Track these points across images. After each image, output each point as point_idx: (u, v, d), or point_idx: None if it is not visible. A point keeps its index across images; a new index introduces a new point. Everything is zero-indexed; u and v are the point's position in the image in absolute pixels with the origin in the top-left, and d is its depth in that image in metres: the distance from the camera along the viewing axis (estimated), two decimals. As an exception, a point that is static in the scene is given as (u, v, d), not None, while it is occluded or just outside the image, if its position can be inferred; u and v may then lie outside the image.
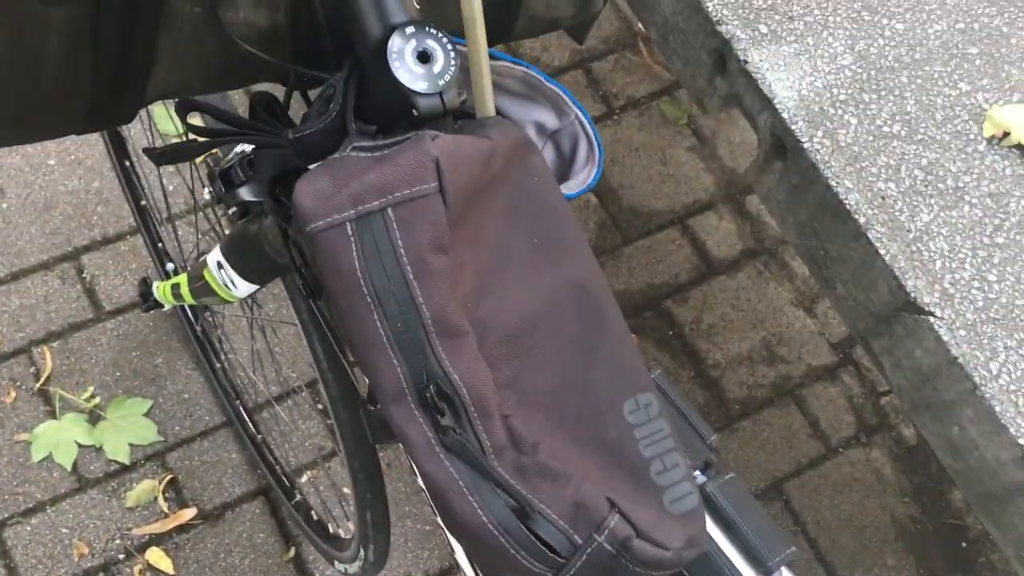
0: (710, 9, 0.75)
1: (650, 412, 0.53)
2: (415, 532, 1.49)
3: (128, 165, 1.37)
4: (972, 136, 0.74)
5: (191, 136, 0.60)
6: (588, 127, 0.70)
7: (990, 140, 0.74)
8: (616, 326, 0.55)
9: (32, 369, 1.47)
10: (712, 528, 0.56)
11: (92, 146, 1.61)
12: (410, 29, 0.51)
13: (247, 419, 1.42)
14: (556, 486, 0.49)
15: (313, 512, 1.30)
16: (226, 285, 0.88)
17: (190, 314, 1.43)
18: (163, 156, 0.61)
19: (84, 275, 1.54)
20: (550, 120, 0.70)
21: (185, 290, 1.01)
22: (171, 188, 1.58)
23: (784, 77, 0.73)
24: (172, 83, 0.60)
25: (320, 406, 1.53)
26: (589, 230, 1.74)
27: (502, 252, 0.52)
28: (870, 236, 0.69)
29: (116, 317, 1.52)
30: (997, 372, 0.66)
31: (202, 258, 0.92)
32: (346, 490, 1.40)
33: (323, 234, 0.47)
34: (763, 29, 0.75)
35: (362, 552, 1.05)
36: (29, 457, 1.42)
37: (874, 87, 0.74)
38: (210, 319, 1.41)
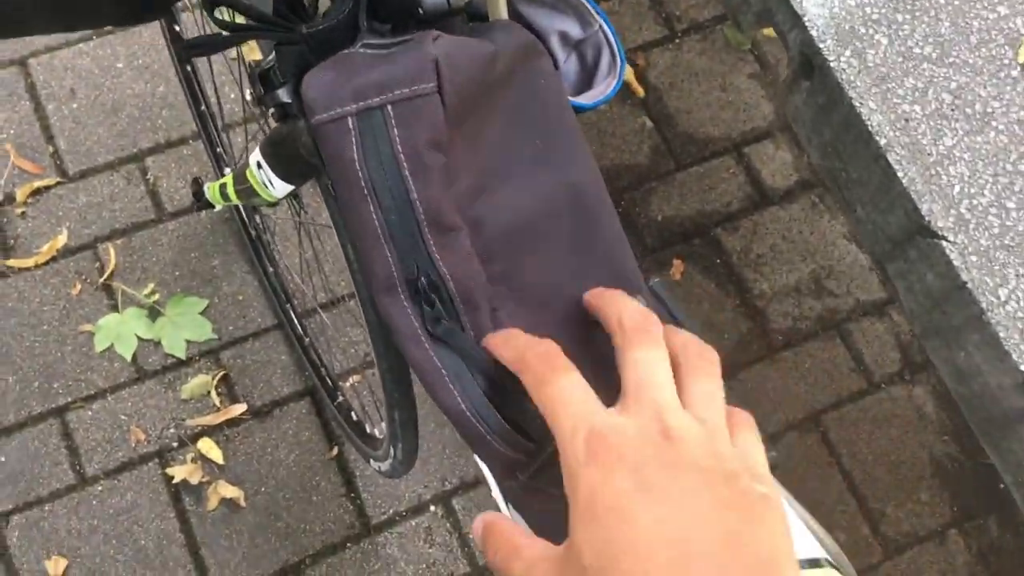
0: (746, -78, 0.74)
1: (638, 312, 0.55)
2: (453, 441, 1.54)
3: (190, 71, 1.41)
4: (1006, 61, 0.72)
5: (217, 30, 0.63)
6: (612, 37, 0.71)
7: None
8: (611, 231, 0.56)
9: (97, 264, 1.54)
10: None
11: (159, 51, 1.65)
12: (418, -79, 0.52)
13: (297, 322, 1.47)
14: None
15: (353, 413, 1.35)
16: (265, 184, 0.91)
17: (246, 218, 1.48)
18: (190, 49, 0.64)
19: (148, 176, 1.59)
20: (574, 29, 0.71)
21: (231, 190, 1.04)
22: (233, 96, 1.62)
23: (816, -6, 0.72)
24: None
25: (368, 314, 1.57)
26: (643, 154, 1.74)
27: (502, 153, 0.54)
28: (890, 158, 0.69)
29: (177, 218, 1.58)
30: (1005, 299, 0.66)
31: (245, 158, 0.95)
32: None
33: (327, 126, 0.49)
34: (799, -56, 0.74)
35: (392, 451, 1.10)
36: (92, 347, 1.50)
37: (909, 7, 0.73)
38: (262, 224, 1.46)
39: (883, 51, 0.72)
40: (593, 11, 0.69)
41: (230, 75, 1.56)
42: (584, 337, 0.54)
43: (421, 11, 0.52)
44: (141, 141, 1.61)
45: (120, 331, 1.51)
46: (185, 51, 0.65)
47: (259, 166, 0.91)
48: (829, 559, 0.57)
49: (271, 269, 1.49)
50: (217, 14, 0.62)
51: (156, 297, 1.53)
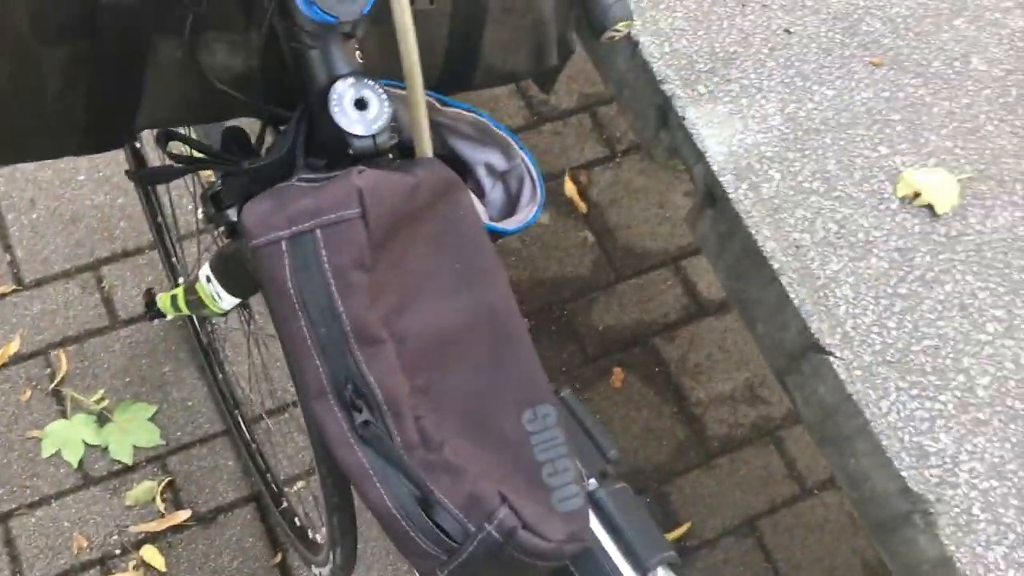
0: (656, 69, 0.83)
1: (547, 422, 0.61)
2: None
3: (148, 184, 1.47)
4: (886, 195, 0.81)
5: (168, 162, 0.69)
6: (533, 169, 0.78)
7: (902, 199, 0.81)
8: (524, 347, 0.62)
9: (48, 370, 1.57)
10: (598, 529, 0.62)
11: (120, 164, 1.72)
12: (351, 79, 0.59)
13: (244, 428, 1.50)
14: (455, 479, 0.57)
15: (296, 518, 1.38)
16: (213, 297, 0.97)
17: (197, 326, 1.53)
18: (143, 178, 0.70)
19: (103, 285, 1.64)
20: (499, 162, 0.78)
21: (181, 301, 1.10)
22: (189, 207, 1.69)
23: (717, 133, 0.81)
24: (158, 115, 0.69)
25: (315, 420, 1.60)
26: (585, 266, 1.82)
27: (425, 275, 0.60)
28: (782, 281, 0.76)
29: (130, 326, 1.62)
30: (887, 410, 0.73)
31: (196, 271, 1.01)
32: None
33: (262, 249, 0.55)
34: (701, 89, 0.83)
35: (331, 556, 1.13)
36: (39, 453, 1.51)
37: (799, 146, 0.82)
38: (213, 332, 1.50)
39: (776, 185, 0.80)
40: (515, 145, 0.77)
41: (187, 188, 1.63)
42: (496, 440, 0.59)
43: (351, 151, 0.59)
44: (98, 250, 1.66)
45: (67, 437, 1.53)
46: (142, 179, 0.71)
47: (208, 280, 0.97)
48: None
49: (220, 376, 1.53)
50: (171, 147, 0.68)
51: (106, 403, 1.56)
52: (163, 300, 1.21)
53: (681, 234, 1.86)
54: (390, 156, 0.63)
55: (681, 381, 1.75)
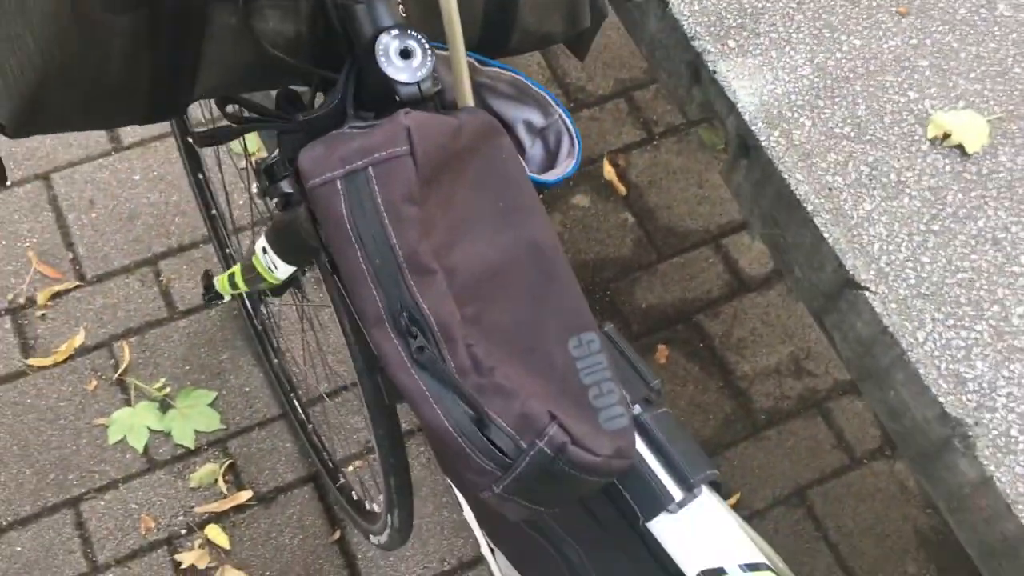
0: (686, 27, 0.86)
1: (591, 348, 0.64)
2: (451, 522, 1.60)
3: (201, 178, 1.53)
4: (916, 137, 0.83)
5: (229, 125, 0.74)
6: (570, 125, 0.81)
7: (932, 141, 0.83)
8: (566, 279, 0.66)
9: (111, 361, 1.63)
10: (643, 450, 0.65)
11: (172, 163, 1.78)
12: (395, 31, 0.63)
13: (301, 410, 1.55)
14: (507, 400, 0.60)
15: (354, 492, 1.42)
16: (270, 268, 1.01)
17: (252, 311, 1.58)
18: (205, 138, 0.74)
19: (161, 278, 1.70)
20: (537, 119, 0.82)
21: (239, 278, 1.15)
22: (241, 202, 1.75)
23: (748, 85, 0.84)
24: (215, 83, 0.73)
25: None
26: (626, 247, 1.84)
27: (470, 212, 0.63)
28: (817, 222, 0.79)
29: (188, 317, 1.68)
30: (923, 340, 0.75)
31: (251, 247, 1.06)
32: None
33: (319, 189, 0.59)
34: (731, 44, 0.86)
35: (389, 519, 1.17)
36: (106, 439, 1.58)
37: (829, 94, 0.84)
38: (268, 317, 1.56)
39: (807, 131, 0.82)
40: (552, 102, 0.80)
41: (239, 184, 1.68)
42: (543, 365, 0.63)
43: (398, 98, 0.63)
44: (155, 246, 1.72)
45: (132, 424, 1.59)
46: (199, 140, 0.76)
47: (264, 251, 1.02)
48: (768, 564, 0.65)
49: (276, 361, 1.58)
50: (228, 108, 0.73)
51: (167, 391, 1.62)
52: (221, 281, 1.26)
53: (721, 213, 1.89)
54: (433, 105, 0.67)
55: (726, 356, 1.77)
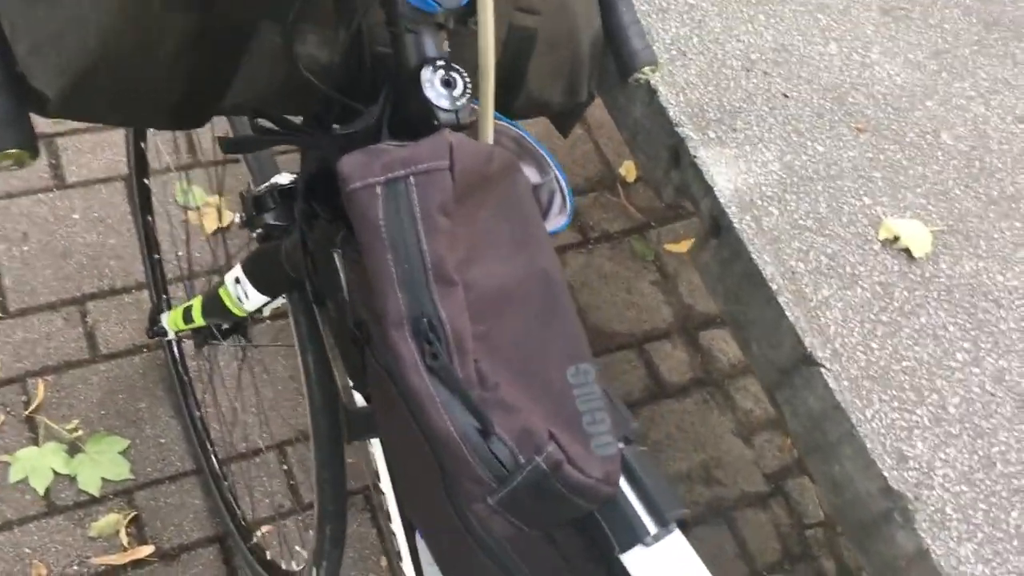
0: (671, 114, 0.94)
1: (587, 378, 0.67)
2: (359, 594, 1.56)
3: (150, 220, 1.53)
4: (869, 237, 0.91)
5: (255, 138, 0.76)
6: (564, 185, 0.87)
7: (883, 242, 0.91)
8: (569, 309, 0.69)
9: (23, 397, 1.58)
10: (623, 483, 0.68)
11: (115, 207, 1.77)
12: (440, 62, 0.68)
13: (217, 466, 1.52)
14: (509, 415, 0.63)
15: (267, 552, 1.39)
16: (239, 298, 1.02)
17: (180, 362, 1.56)
18: (231, 145, 0.77)
19: (87, 319, 1.67)
20: (533, 176, 0.87)
21: (197, 312, 1.14)
22: (179, 253, 1.74)
23: (724, 171, 0.91)
24: (243, 99, 0.76)
25: (285, 467, 1.63)
26: (553, 343, 1.89)
27: (490, 234, 0.67)
28: (780, 301, 0.85)
29: (109, 360, 1.64)
30: (871, 417, 0.81)
31: (220, 278, 1.06)
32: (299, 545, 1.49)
33: (358, 192, 0.62)
34: (711, 134, 0.93)
35: (314, 572, 1.15)
36: (6, 477, 1.51)
37: (795, 190, 0.92)
38: (204, 368, 1.54)
39: (775, 219, 0.90)
40: (550, 162, 0.86)
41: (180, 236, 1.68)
42: (543, 388, 0.66)
43: (437, 122, 0.67)
44: (85, 286, 1.69)
45: (36, 464, 1.53)
46: (226, 146, 0.78)
47: (237, 281, 1.03)
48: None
49: (198, 413, 1.56)
50: (259, 121, 0.76)
51: (79, 434, 1.57)
52: (173, 316, 1.25)
53: (646, 319, 1.96)
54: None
55: (641, 458, 1.82)
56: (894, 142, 0.99)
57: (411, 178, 0.62)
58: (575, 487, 0.63)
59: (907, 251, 0.92)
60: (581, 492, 0.63)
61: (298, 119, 0.78)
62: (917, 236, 0.92)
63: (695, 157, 0.91)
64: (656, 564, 0.67)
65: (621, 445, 0.72)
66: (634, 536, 0.67)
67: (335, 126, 0.70)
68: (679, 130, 0.93)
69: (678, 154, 0.93)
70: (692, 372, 1.93)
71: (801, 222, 0.90)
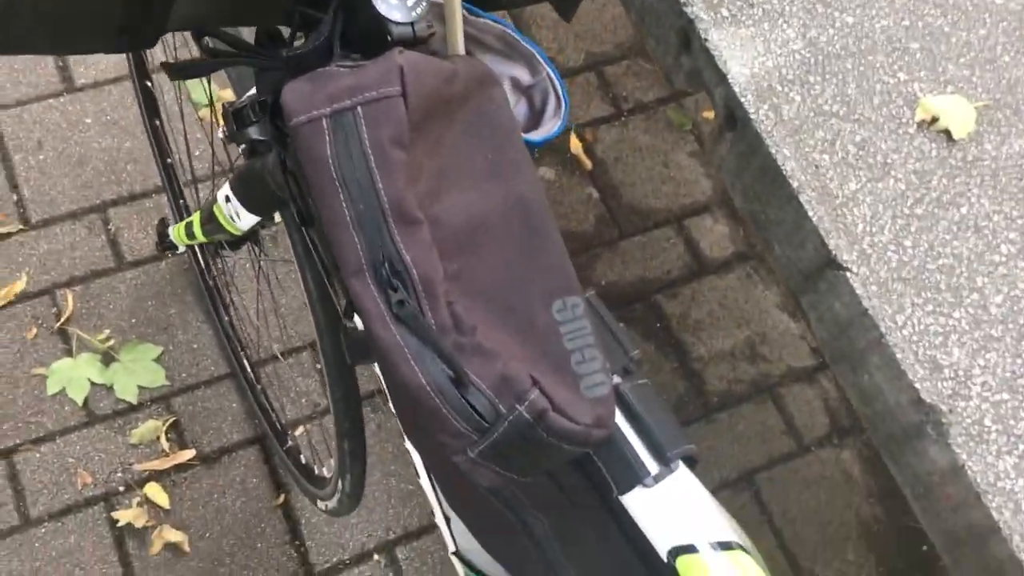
0: (679, -7, 0.84)
1: (575, 312, 0.62)
2: (398, 491, 1.57)
3: (158, 124, 1.48)
4: (904, 120, 0.82)
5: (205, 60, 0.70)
6: (557, 83, 0.79)
7: (920, 124, 0.82)
8: (553, 238, 0.63)
9: (54, 309, 1.57)
10: (621, 421, 0.63)
11: (127, 108, 1.72)
12: (390, -32, 0.60)
13: (250, 369, 1.51)
14: (487, 362, 0.58)
15: (302, 456, 1.39)
16: (231, 218, 0.97)
17: (204, 266, 1.53)
18: (179, 71, 0.70)
19: (109, 227, 1.64)
20: (524, 76, 0.79)
21: (197, 228, 1.10)
22: (196, 153, 1.69)
23: (739, 55, 0.82)
24: (191, 13, 0.69)
25: (319, 365, 1.62)
26: (589, 222, 1.83)
27: (459, 162, 0.61)
28: (801, 199, 0.77)
29: (136, 268, 1.62)
30: (902, 324, 0.74)
31: (213, 195, 1.01)
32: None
33: (303, 127, 0.56)
34: (724, 12, 0.84)
35: (339, 484, 1.14)
36: (44, 390, 1.52)
37: (820, 70, 0.83)
38: (221, 272, 1.51)
39: (797, 107, 0.81)
40: (541, 60, 0.77)
41: (202, 134, 1.63)
42: (526, 327, 0.60)
43: (390, 38, 0.60)
44: (104, 193, 1.66)
45: (73, 375, 1.54)
46: (172, 72, 0.72)
47: (227, 199, 0.98)
48: (739, 543, 0.63)
49: (227, 318, 1.54)
50: (206, 42, 0.69)
51: (111, 343, 1.56)
52: (177, 231, 1.21)
53: (685, 194, 1.88)
54: (425, 50, 0.64)
55: (682, 337, 1.77)
56: (935, 5, 0.88)
57: (359, 108, 0.56)
58: (563, 435, 0.58)
59: (947, 132, 0.83)
60: (570, 439, 0.59)
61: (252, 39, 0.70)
62: (959, 114, 0.82)
63: (706, 40, 0.82)
64: (658, 505, 0.63)
65: (617, 380, 0.67)
66: (634, 477, 0.63)
67: (281, 51, 0.63)
68: (688, 10, 0.83)
69: (688, 37, 0.84)
70: (734, 246, 1.85)
71: (826, 107, 0.81)
